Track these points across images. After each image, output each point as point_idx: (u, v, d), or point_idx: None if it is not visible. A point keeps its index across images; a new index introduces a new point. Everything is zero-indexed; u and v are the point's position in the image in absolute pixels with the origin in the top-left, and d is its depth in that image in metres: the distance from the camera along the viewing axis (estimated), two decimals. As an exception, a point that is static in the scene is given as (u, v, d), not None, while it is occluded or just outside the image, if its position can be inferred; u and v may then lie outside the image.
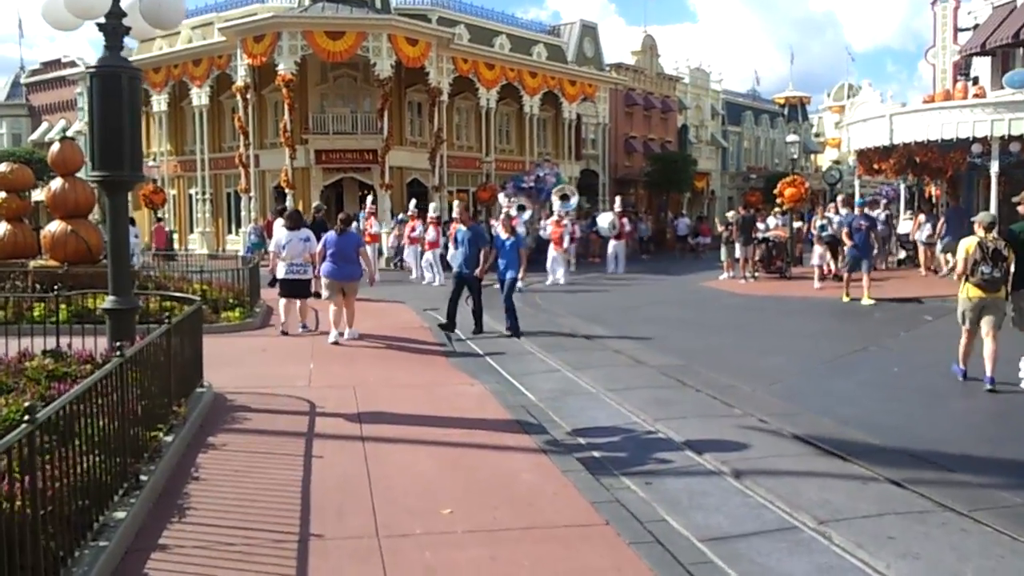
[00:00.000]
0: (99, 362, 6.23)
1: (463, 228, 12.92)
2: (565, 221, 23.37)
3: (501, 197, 28.83)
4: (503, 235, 13.03)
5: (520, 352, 10.97)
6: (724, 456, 6.19)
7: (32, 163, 24.16)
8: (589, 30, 44.16)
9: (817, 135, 66.44)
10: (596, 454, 6.31)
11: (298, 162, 30.66)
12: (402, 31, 30.49)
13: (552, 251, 22.13)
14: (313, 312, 12.76)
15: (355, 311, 11.66)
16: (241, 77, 31.48)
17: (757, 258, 22.76)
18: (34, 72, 50.05)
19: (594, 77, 41.45)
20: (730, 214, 24.99)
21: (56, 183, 13.31)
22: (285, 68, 29.48)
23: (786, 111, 65.97)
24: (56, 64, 45.89)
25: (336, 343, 11.12)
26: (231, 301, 13.34)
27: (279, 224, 16.50)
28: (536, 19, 43.69)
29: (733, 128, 59.31)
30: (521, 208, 26.78)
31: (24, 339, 7.48)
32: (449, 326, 12.45)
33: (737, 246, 22.06)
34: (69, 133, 47.71)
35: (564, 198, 26.72)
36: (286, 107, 29.97)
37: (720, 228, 23.95)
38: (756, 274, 22.37)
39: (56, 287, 11.92)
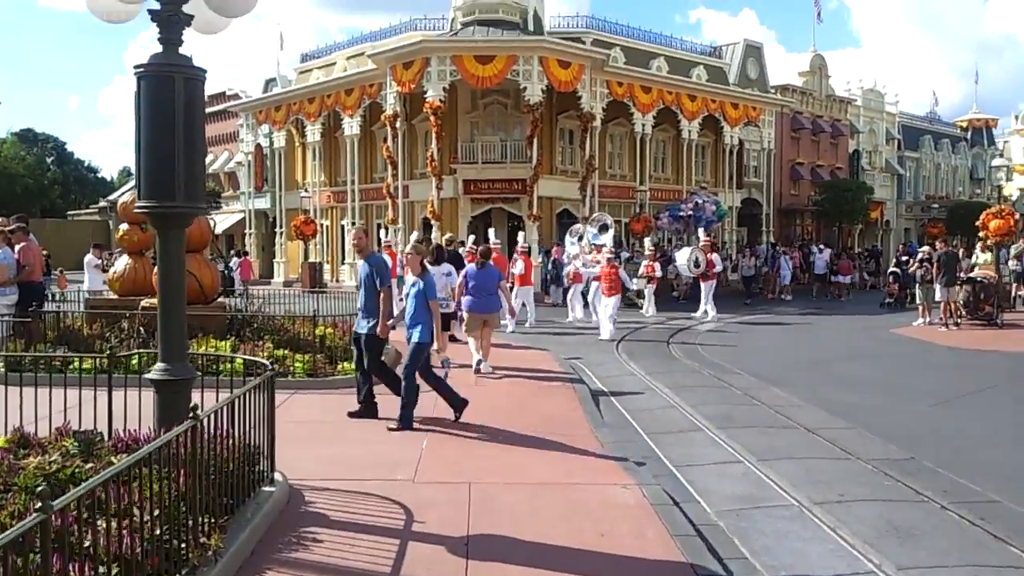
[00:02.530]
0: (140, 448, 4.62)
1: (361, 262, 9.09)
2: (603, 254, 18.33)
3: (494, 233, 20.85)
4: (410, 276, 8.72)
5: (685, 427, 8.77)
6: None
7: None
8: (753, 50, 41.29)
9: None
10: (819, 639, 4.08)
11: (446, 192, 29.61)
12: (554, 53, 28.92)
13: (598, 292, 17.66)
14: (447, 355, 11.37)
15: (490, 350, 11.92)
16: (390, 105, 30.87)
17: (960, 302, 19.47)
18: (200, 107, 52.08)
19: (758, 99, 38.51)
20: (924, 248, 21.80)
21: (171, 215, 12.29)
22: (433, 95, 28.52)
23: (969, 135, 60.12)
24: (220, 97, 47.36)
25: (478, 371, 11.36)
26: (350, 348, 11.81)
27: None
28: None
29: (911, 153, 54.40)
30: (605, 228, 22.92)
31: (116, 392, 6.25)
32: (368, 409, 8.78)
33: (938, 287, 18.90)
34: (230, 166, 49.26)
35: (604, 229, 22.23)
36: (434, 135, 29.04)
37: (914, 265, 20.74)
38: (959, 321, 19.09)
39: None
